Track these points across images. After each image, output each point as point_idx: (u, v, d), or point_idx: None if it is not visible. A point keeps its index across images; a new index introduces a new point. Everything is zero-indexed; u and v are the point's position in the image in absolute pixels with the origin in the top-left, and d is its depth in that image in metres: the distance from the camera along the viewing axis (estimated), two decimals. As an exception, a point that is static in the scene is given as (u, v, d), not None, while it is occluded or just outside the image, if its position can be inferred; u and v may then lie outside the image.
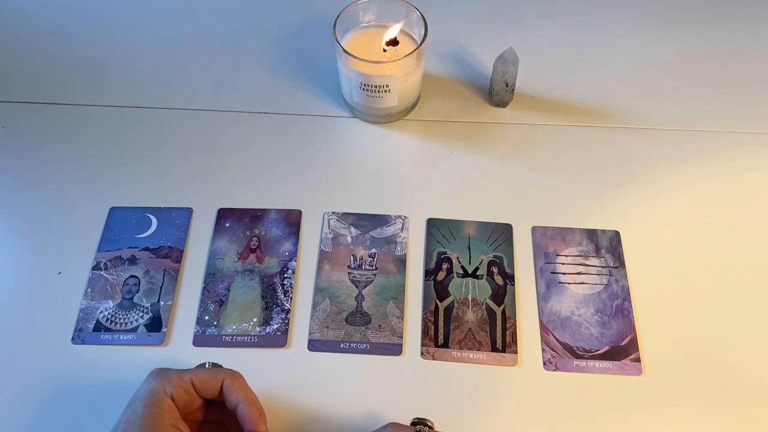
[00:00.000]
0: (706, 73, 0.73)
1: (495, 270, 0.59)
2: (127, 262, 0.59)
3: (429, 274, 0.59)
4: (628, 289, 0.58)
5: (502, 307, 0.57)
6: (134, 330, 0.56)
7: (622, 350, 0.55)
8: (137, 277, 0.58)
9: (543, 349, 0.55)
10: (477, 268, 0.59)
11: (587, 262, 0.59)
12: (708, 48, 0.75)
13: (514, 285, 0.58)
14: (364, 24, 0.66)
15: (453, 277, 0.58)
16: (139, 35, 0.76)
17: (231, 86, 0.71)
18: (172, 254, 0.60)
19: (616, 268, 0.59)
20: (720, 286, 0.58)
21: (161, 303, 0.57)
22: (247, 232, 0.61)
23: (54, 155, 0.66)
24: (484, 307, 0.57)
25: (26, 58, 0.74)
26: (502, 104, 0.69)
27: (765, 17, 0.78)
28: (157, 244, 0.60)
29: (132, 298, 0.57)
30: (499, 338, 0.55)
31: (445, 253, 0.60)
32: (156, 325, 0.56)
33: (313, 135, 0.68)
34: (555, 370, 0.54)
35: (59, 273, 0.58)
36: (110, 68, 0.73)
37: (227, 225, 0.61)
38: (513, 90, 0.68)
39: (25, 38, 0.76)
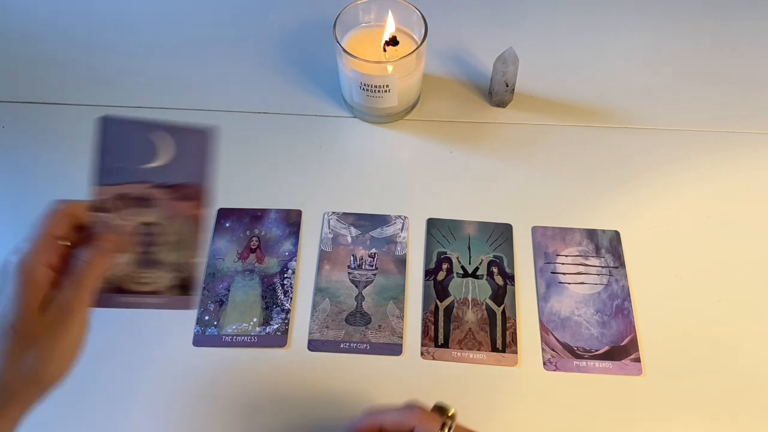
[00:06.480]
0: (706, 73, 0.73)
1: (495, 270, 0.59)
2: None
3: (429, 274, 0.59)
4: (628, 289, 0.58)
5: (502, 307, 0.57)
6: (134, 330, 0.56)
7: (622, 350, 0.55)
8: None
9: (543, 349, 0.55)
10: (477, 268, 0.59)
11: (587, 262, 0.59)
12: (708, 48, 0.75)
13: (514, 285, 0.58)
14: (364, 24, 0.67)
15: (453, 277, 0.59)
16: (139, 35, 0.76)
17: (231, 86, 0.71)
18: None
19: (616, 268, 0.59)
20: (720, 286, 0.58)
21: (161, 303, 0.57)
22: (247, 232, 0.61)
23: (54, 155, 0.66)
24: (484, 307, 0.57)
25: (26, 58, 0.74)
26: (502, 104, 0.69)
27: (765, 17, 0.78)
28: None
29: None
30: (499, 338, 0.55)
31: (445, 253, 0.60)
32: (156, 325, 0.56)
33: (313, 135, 0.68)
34: (555, 370, 0.54)
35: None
36: (111, 68, 0.73)
37: (227, 225, 0.61)
38: (513, 90, 0.68)
39: (25, 38, 0.76)
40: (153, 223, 0.42)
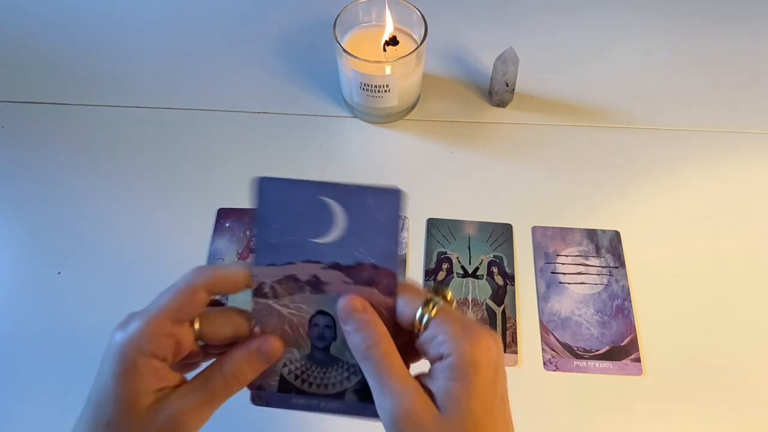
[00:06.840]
0: (706, 73, 0.73)
1: (495, 270, 0.59)
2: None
3: (429, 274, 0.59)
4: (628, 289, 0.58)
5: (502, 307, 0.57)
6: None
7: (622, 350, 0.55)
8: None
9: (543, 349, 0.55)
10: (477, 268, 0.59)
11: (587, 262, 0.59)
12: (708, 48, 0.75)
13: (514, 285, 0.58)
14: (364, 24, 0.67)
15: (453, 277, 0.58)
16: (140, 35, 0.76)
17: (231, 86, 0.71)
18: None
19: (616, 268, 0.59)
20: (720, 286, 0.58)
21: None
22: (247, 232, 0.61)
23: (54, 155, 0.66)
24: (484, 307, 0.57)
25: (26, 58, 0.74)
26: (502, 104, 0.69)
27: (765, 18, 0.78)
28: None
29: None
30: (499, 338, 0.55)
31: (445, 253, 0.60)
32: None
33: (313, 135, 0.68)
34: (555, 370, 0.54)
35: (59, 273, 0.58)
36: (111, 68, 0.73)
37: (227, 225, 0.61)
38: (513, 90, 0.68)
39: (25, 38, 0.76)
40: (327, 313, 0.34)
